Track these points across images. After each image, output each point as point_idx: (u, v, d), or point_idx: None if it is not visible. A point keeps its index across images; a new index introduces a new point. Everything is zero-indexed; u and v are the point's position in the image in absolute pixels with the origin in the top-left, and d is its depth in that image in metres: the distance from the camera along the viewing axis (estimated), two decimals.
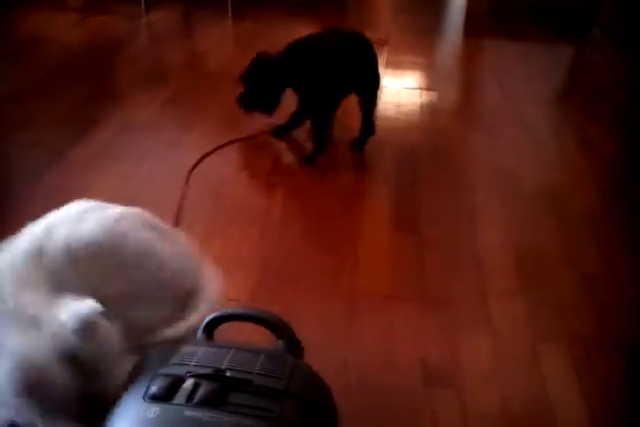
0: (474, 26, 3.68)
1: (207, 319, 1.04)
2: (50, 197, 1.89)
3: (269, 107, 2.25)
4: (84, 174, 2.02)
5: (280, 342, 1.02)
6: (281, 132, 2.32)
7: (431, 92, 2.78)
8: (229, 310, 1.06)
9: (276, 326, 1.03)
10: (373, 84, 2.13)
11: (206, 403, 0.83)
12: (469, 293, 1.61)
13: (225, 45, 3.26)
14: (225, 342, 1.00)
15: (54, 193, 1.92)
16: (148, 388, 0.87)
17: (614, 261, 1.77)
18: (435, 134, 2.41)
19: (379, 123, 2.36)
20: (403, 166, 2.22)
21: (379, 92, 2.16)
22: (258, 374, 0.89)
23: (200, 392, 0.85)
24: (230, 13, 3.50)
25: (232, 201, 1.93)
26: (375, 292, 1.60)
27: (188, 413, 0.82)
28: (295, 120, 2.31)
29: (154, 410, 0.83)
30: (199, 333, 1.04)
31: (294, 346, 1.03)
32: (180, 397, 0.85)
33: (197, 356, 0.92)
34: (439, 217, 1.92)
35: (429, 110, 2.58)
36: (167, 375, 0.88)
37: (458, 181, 2.13)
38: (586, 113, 2.67)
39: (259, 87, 2.21)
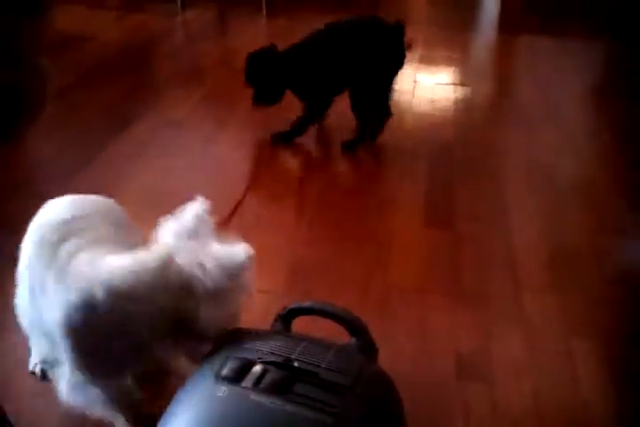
0: (508, 21, 3.65)
1: (286, 310, 1.07)
2: (88, 187, 1.94)
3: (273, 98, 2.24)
4: (124, 167, 2.07)
5: (353, 341, 1.03)
6: (288, 137, 2.30)
7: (465, 88, 2.77)
8: (309, 304, 1.09)
9: (352, 325, 1.04)
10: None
11: (271, 390, 0.86)
12: (503, 287, 1.62)
13: (259, 43, 3.26)
14: (301, 333, 1.02)
15: (94, 186, 1.96)
16: (220, 368, 0.90)
17: None
18: (469, 130, 2.40)
19: (411, 118, 2.36)
20: (436, 162, 2.22)
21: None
22: (325, 368, 0.90)
23: (267, 379, 0.88)
24: (264, 11, 3.53)
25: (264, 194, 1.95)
26: (408, 286, 1.61)
27: (253, 397, 0.85)
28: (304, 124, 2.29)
29: (222, 389, 0.87)
30: (277, 322, 1.06)
31: (368, 347, 1.04)
32: (249, 380, 0.88)
33: (270, 343, 0.95)
34: (473, 213, 1.92)
35: (463, 106, 2.57)
36: (239, 359, 0.92)
37: (492, 177, 2.13)
38: (622, 109, 2.64)
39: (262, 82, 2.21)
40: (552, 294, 1.59)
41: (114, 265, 0.95)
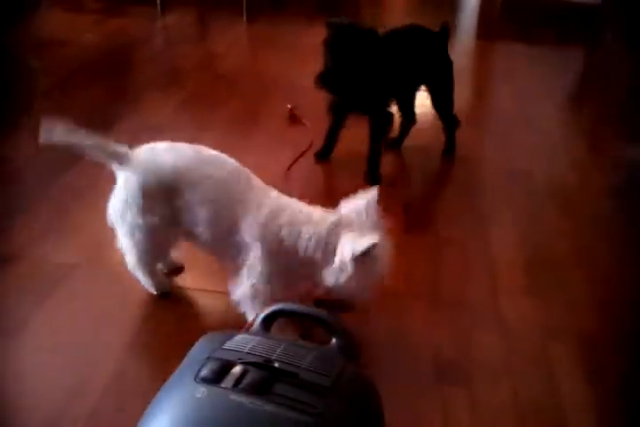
0: (486, 29, 3.70)
1: (265, 313, 1.07)
2: (65, 195, 1.93)
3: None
4: (105, 172, 2.05)
5: (334, 343, 1.03)
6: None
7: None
8: (289, 306, 1.08)
9: (332, 327, 1.04)
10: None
11: (251, 390, 0.86)
12: (481, 291, 1.63)
13: (239, 47, 3.29)
14: (281, 335, 1.03)
15: (70, 192, 1.95)
16: (199, 369, 0.90)
17: (624, 260, 1.79)
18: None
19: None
20: (415, 168, 2.24)
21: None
22: (305, 368, 0.90)
23: (247, 379, 0.87)
24: (245, 15, 3.54)
25: None
26: (388, 291, 1.62)
27: (233, 397, 0.85)
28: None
29: (202, 390, 0.86)
30: (257, 324, 1.06)
31: (349, 348, 1.04)
32: (228, 381, 0.87)
33: (251, 344, 0.95)
34: (452, 218, 1.94)
35: (431, 115, 2.59)
36: (218, 359, 0.91)
37: (470, 183, 2.15)
38: (597, 116, 2.69)
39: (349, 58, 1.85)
40: (529, 298, 1.62)
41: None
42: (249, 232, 1.31)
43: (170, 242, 1.48)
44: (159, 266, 1.60)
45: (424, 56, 2.12)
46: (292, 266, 1.32)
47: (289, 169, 2.11)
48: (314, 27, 3.47)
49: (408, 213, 1.95)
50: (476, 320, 1.54)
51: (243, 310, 1.39)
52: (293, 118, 2.44)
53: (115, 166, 1.41)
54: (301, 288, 1.39)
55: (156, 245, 1.45)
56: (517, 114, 2.66)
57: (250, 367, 0.89)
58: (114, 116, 2.41)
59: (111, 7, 3.67)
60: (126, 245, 1.45)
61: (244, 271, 1.34)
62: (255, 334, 1.02)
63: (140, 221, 1.38)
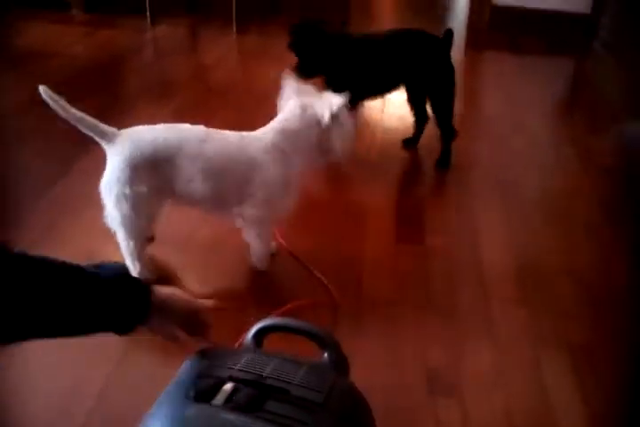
0: (475, 38, 3.72)
1: (256, 328, 1.06)
2: (57, 205, 1.92)
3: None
4: (95, 182, 2.04)
5: (325, 357, 1.02)
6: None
7: None
8: (280, 321, 1.09)
9: (323, 341, 1.03)
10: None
11: (242, 408, 0.85)
12: (472, 301, 1.63)
13: (229, 59, 3.30)
14: (272, 351, 1.01)
15: (61, 204, 1.94)
16: (189, 386, 0.89)
17: (613, 269, 1.79)
18: (437, 145, 2.43)
19: (381, 134, 2.39)
20: (406, 177, 2.25)
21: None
22: (297, 385, 0.89)
23: (238, 397, 0.86)
24: (235, 28, 3.55)
25: None
26: (380, 301, 1.62)
27: (224, 415, 0.84)
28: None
29: (192, 408, 0.85)
30: (248, 339, 1.05)
31: (340, 363, 1.03)
32: (219, 399, 0.86)
33: (242, 361, 0.94)
34: (443, 226, 1.95)
35: (432, 121, 2.60)
36: (209, 377, 0.91)
37: (461, 191, 2.15)
38: (586, 124, 2.70)
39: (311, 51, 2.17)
40: (520, 307, 1.61)
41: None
42: (251, 170, 1.54)
43: (154, 211, 1.59)
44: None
45: (410, 59, 2.15)
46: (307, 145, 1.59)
47: None
48: None
49: (399, 222, 1.95)
50: (467, 330, 1.53)
51: (254, 235, 1.62)
52: None
53: (104, 144, 1.55)
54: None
55: (141, 215, 1.55)
56: (507, 122, 2.67)
57: (241, 385, 0.88)
58: None
59: (100, 19, 3.67)
60: (115, 221, 1.56)
61: (258, 195, 1.55)
62: (246, 350, 1.01)
63: (127, 191, 1.50)
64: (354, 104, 2.15)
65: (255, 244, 1.66)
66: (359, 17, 4.05)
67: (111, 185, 1.52)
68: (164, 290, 0.97)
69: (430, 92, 2.21)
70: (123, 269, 0.92)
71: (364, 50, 2.16)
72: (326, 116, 1.53)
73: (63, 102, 1.46)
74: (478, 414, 1.30)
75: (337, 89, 2.14)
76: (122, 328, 0.91)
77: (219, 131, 1.60)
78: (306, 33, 2.15)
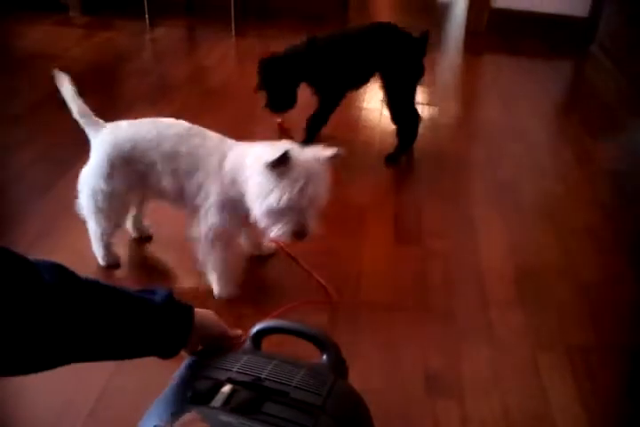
0: (474, 42, 3.73)
1: (255, 330, 1.06)
2: (57, 205, 1.92)
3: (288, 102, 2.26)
4: None
5: (324, 359, 1.02)
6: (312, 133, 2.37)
7: (432, 107, 2.81)
8: (278, 323, 1.08)
9: (322, 343, 1.03)
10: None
11: (241, 410, 0.85)
12: (470, 303, 1.63)
13: (228, 61, 3.30)
14: (271, 352, 1.01)
15: (58, 206, 1.94)
16: (188, 388, 0.89)
17: (612, 271, 1.79)
18: (436, 148, 2.44)
19: (379, 137, 2.39)
20: (404, 180, 2.25)
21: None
22: (295, 387, 0.89)
23: (236, 399, 0.86)
24: (233, 30, 3.55)
25: None
26: (378, 303, 1.62)
27: (222, 417, 0.83)
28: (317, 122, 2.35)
29: (190, 410, 0.84)
30: (247, 341, 1.05)
31: (338, 365, 1.03)
32: (218, 400, 0.86)
33: (240, 363, 0.93)
34: (441, 229, 1.95)
35: (430, 124, 2.61)
36: (208, 378, 0.90)
37: (459, 195, 2.16)
38: (585, 127, 2.70)
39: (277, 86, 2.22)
40: (518, 310, 1.61)
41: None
42: (206, 178, 1.46)
43: (127, 204, 1.64)
44: (132, 233, 1.80)
45: (380, 51, 2.20)
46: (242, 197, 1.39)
47: None
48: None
49: (397, 225, 1.95)
50: (465, 332, 1.53)
51: (199, 255, 1.53)
52: (284, 132, 2.44)
53: (90, 135, 1.58)
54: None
55: (113, 208, 1.59)
56: (505, 125, 2.68)
57: (239, 387, 0.88)
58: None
59: (99, 21, 3.67)
60: (88, 211, 1.60)
61: (202, 214, 1.48)
62: (245, 351, 1.01)
63: (104, 186, 1.54)
64: (337, 97, 2.28)
65: (210, 264, 1.56)
66: (358, 19, 4.05)
67: (89, 177, 1.56)
68: (200, 312, 0.99)
69: (391, 85, 2.23)
70: (169, 295, 0.93)
71: (332, 50, 2.20)
72: (260, 166, 1.29)
73: (68, 85, 1.57)
74: (477, 415, 1.30)
75: (320, 89, 2.25)
76: (167, 352, 0.93)
77: (202, 129, 1.56)
78: (270, 68, 2.19)
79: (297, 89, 2.23)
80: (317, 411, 0.86)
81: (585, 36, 3.66)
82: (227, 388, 0.88)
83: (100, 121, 1.59)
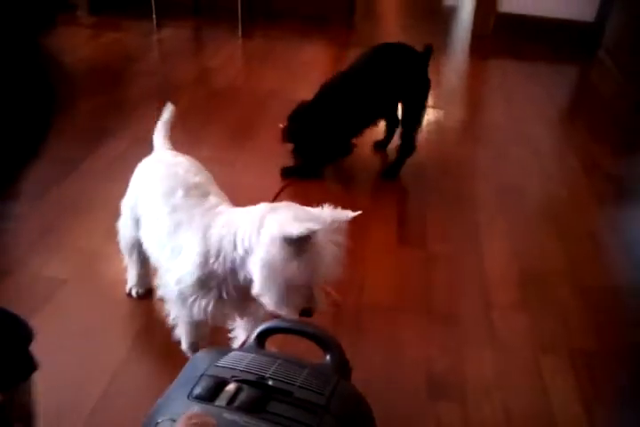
0: (480, 46, 3.73)
1: (259, 329, 1.06)
2: (59, 205, 1.93)
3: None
4: (98, 184, 2.05)
5: (328, 360, 1.02)
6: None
7: (438, 111, 2.81)
8: (283, 323, 1.08)
9: (326, 344, 1.03)
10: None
11: (245, 408, 0.85)
12: (474, 306, 1.63)
13: (234, 63, 3.31)
14: (275, 352, 1.02)
15: (68, 202, 1.95)
16: (193, 387, 0.89)
17: (615, 276, 1.79)
18: (441, 152, 2.44)
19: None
20: (409, 183, 2.25)
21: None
22: (299, 386, 0.90)
23: (241, 397, 0.86)
24: (240, 31, 3.56)
25: None
26: (381, 305, 1.62)
27: (227, 415, 0.84)
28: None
29: (195, 409, 0.85)
30: (251, 341, 1.05)
31: (342, 365, 1.03)
32: (222, 399, 0.86)
33: (245, 362, 0.94)
34: (445, 233, 1.95)
35: (436, 128, 2.61)
36: (212, 377, 0.91)
37: (463, 198, 2.16)
38: (589, 132, 2.70)
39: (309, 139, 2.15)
40: (521, 313, 1.62)
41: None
42: (188, 238, 1.25)
43: (132, 240, 1.51)
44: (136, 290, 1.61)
45: (398, 77, 2.15)
46: (233, 273, 1.19)
47: (274, 200, 2.07)
48: (309, 43, 3.50)
49: (401, 228, 1.96)
50: (468, 335, 1.53)
51: (170, 313, 1.35)
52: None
53: None
54: (250, 307, 1.27)
55: (125, 238, 1.53)
56: (510, 130, 2.68)
57: (244, 385, 0.88)
58: (106, 130, 2.41)
59: (106, 21, 3.68)
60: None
61: (175, 272, 1.26)
62: (249, 350, 1.01)
63: (122, 208, 1.50)
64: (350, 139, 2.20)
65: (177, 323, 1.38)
66: (363, 21, 4.06)
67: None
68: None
69: (404, 104, 2.21)
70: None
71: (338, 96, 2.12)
72: (274, 235, 1.10)
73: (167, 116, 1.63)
74: (479, 417, 1.30)
75: (332, 133, 2.15)
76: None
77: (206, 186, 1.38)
78: (297, 123, 2.12)
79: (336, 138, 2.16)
80: (321, 410, 0.87)
81: (591, 41, 3.66)
82: (231, 386, 0.88)
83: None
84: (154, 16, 3.61)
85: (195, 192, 1.32)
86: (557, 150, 2.60)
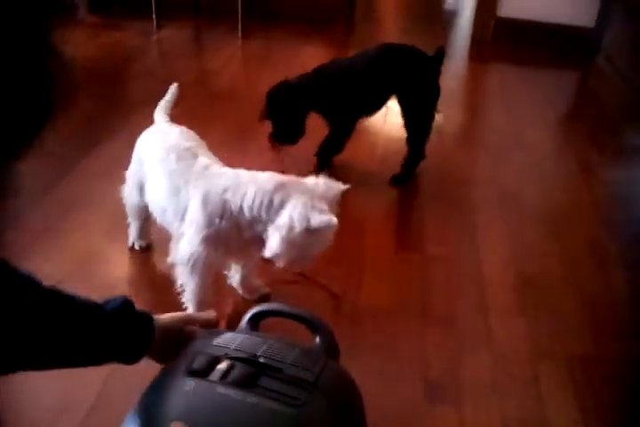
0: (479, 50, 3.73)
1: (252, 312, 1.10)
2: (58, 205, 1.92)
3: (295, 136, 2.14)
4: (97, 184, 2.05)
5: (317, 342, 1.06)
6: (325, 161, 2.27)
7: (437, 114, 2.81)
8: (275, 306, 1.14)
9: (316, 326, 1.07)
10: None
11: (237, 383, 0.89)
12: (471, 311, 1.63)
13: (234, 64, 3.31)
14: (267, 333, 1.06)
15: (67, 201, 1.95)
16: (188, 363, 0.93)
17: (613, 281, 1.80)
18: (439, 156, 2.44)
19: (382, 144, 2.39)
20: (407, 187, 2.25)
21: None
22: (290, 364, 0.94)
23: (233, 373, 0.90)
24: (240, 32, 3.56)
25: None
26: (379, 309, 1.62)
27: (220, 390, 0.88)
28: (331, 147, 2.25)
29: (190, 383, 0.89)
30: (244, 323, 1.09)
31: (331, 348, 1.07)
32: (215, 375, 0.90)
33: (237, 341, 0.98)
34: (443, 236, 1.95)
35: (435, 132, 2.61)
36: (207, 354, 0.95)
37: (461, 202, 2.16)
38: (588, 138, 2.71)
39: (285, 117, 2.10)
40: (519, 318, 1.62)
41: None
42: (193, 197, 1.39)
43: (136, 206, 1.64)
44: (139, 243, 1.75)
45: (402, 83, 2.14)
46: (237, 229, 1.35)
47: None
48: (308, 44, 3.50)
49: (399, 231, 1.96)
50: (465, 339, 1.53)
51: (178, 279, 1.45)
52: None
53: None
54: (250, 254, 1.45)
55: (129, 204, 1.66)
56: (509, 134, 2.68)
57: (236, 362, 0.93)
58: (105, 130, 2.41)
59: (107, 21, 3.68)
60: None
61: (185, 236, 1.40)
62: (242, 331, 1.06)
63: (126, 177, 1.64)
64: (349, 126, 2.19)
65: (187, 294, 1.48)
66: (363, 23, 4.07)
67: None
68: (163, 317, 1.02)
69: (411, 109, 2.18)
70: (123, 303, 0.97)
71: (340, 79, 2.11)
72: (297, 226, 1.28)
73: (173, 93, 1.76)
74: (475, 422, 1.30)
75: (330, 119, 2.16)
76: (127, 358, 0.96)
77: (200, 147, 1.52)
78: (277, 97, 2.08)
79: (306, 119, 2.12)
80: (310, 386, 0.91)
81: (590, 46, 3.67)
82: (224, 363, 0.92)
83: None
84: (154, 16, 3.61)
85: (186, 155, 1.45)
86: (556, 155, 2.61)
